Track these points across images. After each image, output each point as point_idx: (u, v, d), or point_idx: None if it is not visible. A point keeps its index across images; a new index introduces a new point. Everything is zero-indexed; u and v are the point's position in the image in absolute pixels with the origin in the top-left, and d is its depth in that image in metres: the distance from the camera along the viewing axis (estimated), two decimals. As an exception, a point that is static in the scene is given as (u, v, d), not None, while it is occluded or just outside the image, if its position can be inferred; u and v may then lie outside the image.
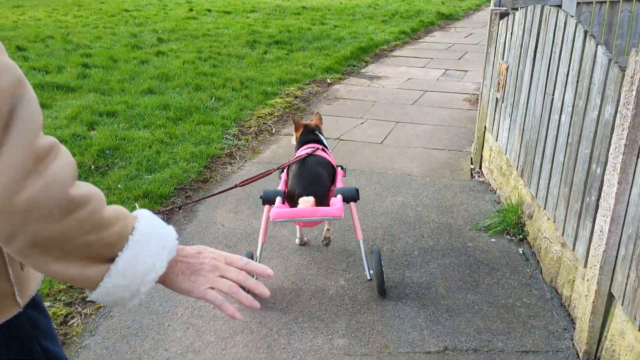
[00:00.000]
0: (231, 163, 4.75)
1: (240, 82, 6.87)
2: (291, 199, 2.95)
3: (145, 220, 1.02)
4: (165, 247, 1.02)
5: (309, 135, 3.45)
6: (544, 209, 3.07)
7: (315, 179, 3.00)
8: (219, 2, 15.48)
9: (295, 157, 3.22)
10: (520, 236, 3.46)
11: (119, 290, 0.97)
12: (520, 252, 3.35)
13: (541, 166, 3.13)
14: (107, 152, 4.61)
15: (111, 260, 0.96)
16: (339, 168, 3.33)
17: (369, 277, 3.02)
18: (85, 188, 0.90)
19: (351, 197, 2.96)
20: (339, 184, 3.16)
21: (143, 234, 0.99)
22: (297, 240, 3.52)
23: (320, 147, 3.28)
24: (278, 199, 2.92)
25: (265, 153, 5.04)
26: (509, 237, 3.51)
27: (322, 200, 2.91)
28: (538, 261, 3.22)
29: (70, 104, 5.76)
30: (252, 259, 2.80)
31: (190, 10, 13.88)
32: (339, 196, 2.93)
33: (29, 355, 1.19)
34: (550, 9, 3.12)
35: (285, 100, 6.51)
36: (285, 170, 3.25)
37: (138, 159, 4.50)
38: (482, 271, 3.18)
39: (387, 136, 5.54)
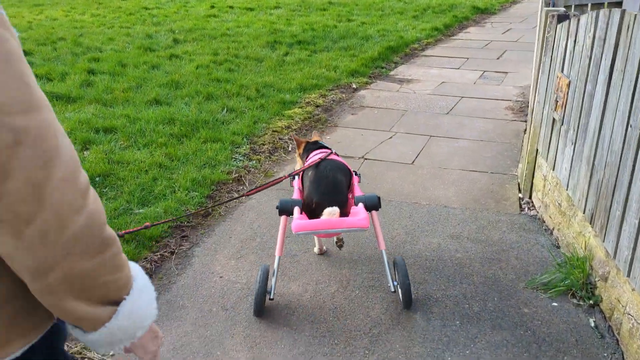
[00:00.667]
0: (238, 190, 4.13)
1: (256, 90, 6.24)
2: (309, 208, 2.78)
3: (135, 268, 1.10)
4: (154, 298, 1.12)
5: (314, 144, 3.27)
6: (627, 275, 2.35)
7: (333, 186, 2.84)
8: (242, -2, 14.89)
9: (308, 162, 3.05)
10: (591, 301, 2.74)
11: (120, 332, 1.04)
12: (592, 324, 2.64)
13: (623, 219, 2.41)
14: (97, 179, 4.04)
15: (116, 303, 1.03)
16: (354, 174, 3.15)
17: (392, 289, 2.81)
18: (110, 229, 0.98)
19: (373, 205, 2.80)
20: (357, 190, 2.98)
21: (142, 281, 1.09)
22: (316, 250, 3.32)
23: (333, 151, 3.15)
24: (296, 209, 2.73)
25: (278, 176, 4.42)
26: (575, 300, 2.80)
27: (342, 208, 2.74)
28: (618, 341, 2.50)
29: (68, 118, 5.22)
30: (269, 273, 2.76)
31: (212, 7, 13.32)
32: (361, 205, 2.76)
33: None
34: (636, 15, 2.39)
35: (305, 111, 5.86)
36: (299, 177, 3.07)
37: (131, 188, 3.91)
38: (545, 354, 2.48)
39: (419, 154, 4.85)
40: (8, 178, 0.83)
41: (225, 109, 5.63)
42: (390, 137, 5.28)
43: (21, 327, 1.02)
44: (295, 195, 2.96)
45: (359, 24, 10.68)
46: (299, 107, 5.96)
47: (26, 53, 7.68)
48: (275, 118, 5.55)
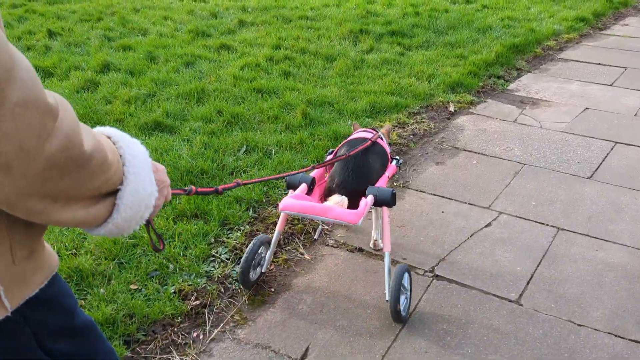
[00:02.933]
0: (190, 344, 2.36)
1: (303, 114, 4.37)
2: (328, 189, 2.57)
3: (123, 141, 1.01)
4: (149, 166, 1.03)
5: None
6: None
7: (360, 169, 2.59)
8: (348, -33, 12.85)
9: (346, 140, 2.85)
10: None
11: (127, 222, 0.99)
12: None
13: None
14: None
15: (112, 193, 0.97)
16: (394, 161, 2.94)
17: (387, 298, 2.44)
18: (92, 139, 0.88)
19: (384, 201, 2.48)
20: (381, 181, 2.66)
21: (133, 160, 0.99)
22: (316, 235, 3.03)
23: (379, 133, 2.91)
24: (302, 186, 2.53)
25: (276, 307, 2.59)
26: None
27: (360, 195, 2.47)
28: None
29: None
30: (268, 245, 2.66)
31: (309, -23, 11.45)
32: (370, 197, 2.46)
33: None
34: None
35: (365, 154, 3.92)
36: (333, 153, 2.87)
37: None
38: None
39: (535, 274, 2.78)
40: None
41: (245, 147, 3.83)
42: (489, 224, 3.22)
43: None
44: (314, 173, 2.69)
45: (479, 8, 8.33)
46: (357, 147, 4.03)
47: (52, 34, 6.34)
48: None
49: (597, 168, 3.86)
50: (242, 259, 2.54)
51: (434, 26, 7.21)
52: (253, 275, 2.63)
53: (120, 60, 5.42)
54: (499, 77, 5.71)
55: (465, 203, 3.44)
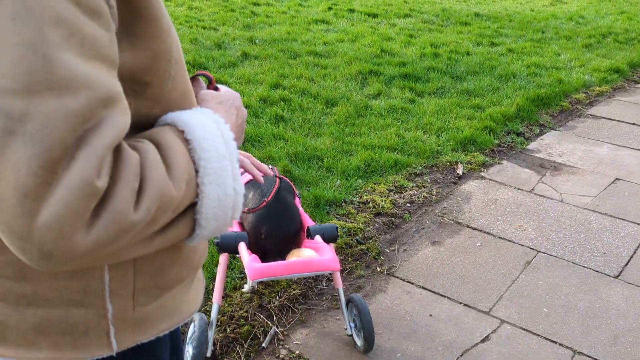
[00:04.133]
0: None
1: (284, 171, 3.79)
2: (256, 243, 2.26)
3: (195, 140, 0.84)
4: (230, 157, 0.87)
5: None
6: None
7: (284, 210, 2.33)
8: (373, 1, 12.42)
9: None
10: None
11: (217, 231, 0.90)
12: None
13: None
14: None
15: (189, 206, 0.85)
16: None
17: (349, 332, 2.42)
18: (146, 200, 0.73)
19: (332, 237, 2.29)
20: (306, 218, 2.44)
21: (207, 165, 0.84)
22: (247, 288, 2.65)
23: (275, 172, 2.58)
24: (242, 246, 2.14)
25: None
26: None
27: (295, 240, 2.34)
28: None
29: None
30: (207, 326, 2.20)
31: (330, 9, 11.02)
32: (318, 238, 2.26)
33: None
34: None
35: (347, 227, 3.31)
36: None
37: None
38: None
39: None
40: None
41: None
42: (486, 338, 2.57)
43: (52, 339, 0.89)
44: (235, 227, 2.35)
45: (504, 52, 7.72)
46: (339, 217, 3.42)
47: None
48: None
49: (627, 263, 3.18)
50: (196, 348, 2.11)
51: (452, 70, 6.62)
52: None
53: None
54: (518, 134, 5.07)
55: (461, 304, 2.79)
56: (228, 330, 2.45)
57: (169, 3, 11.00)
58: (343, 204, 3.58)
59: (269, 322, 2.54)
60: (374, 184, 3.88)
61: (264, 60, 6.69)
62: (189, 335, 2.25)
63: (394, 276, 2.99)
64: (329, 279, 2.90)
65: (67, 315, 0.89)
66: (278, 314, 2.61)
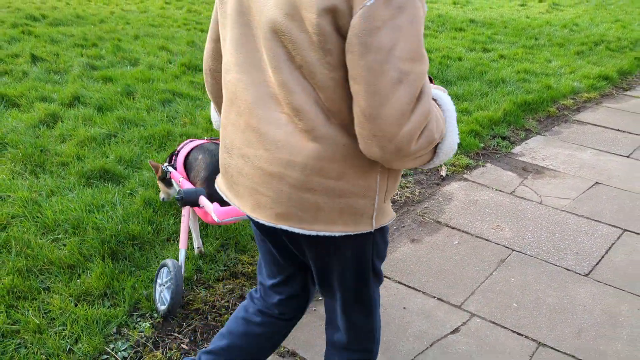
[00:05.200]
0: None
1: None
2: (211, 197, 2.47)
3: (444, 104, 1.42)
4: (455, 118, 1.44)
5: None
6: None
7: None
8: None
9: (183, 148, 2.83)
10: None
11: (440, 162, 1.40)
12: None
13: None
14: None
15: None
16: None
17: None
18: (435, 132, 1.32)
19: None
20: None
21: (450, 119, 1.40)
22: (196, 251, 2.97)
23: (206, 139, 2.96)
24: (202, 197, 2.42)
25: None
26: None
27: None
28: None
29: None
30: (177, 268, 2.48)
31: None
32: None
33: (361, 265, 1.56)
34: None
35: (330, 225, 3.44)
36: (179, 165, 2.79)
37: None
38: None
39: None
40: (385, 104, 1.21)
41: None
42: (456, 330, 2.68)
43: (345, 218, 1.41)
44: (185, 185, 2.63)
45: (496, 58, 7.86)
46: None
47: (36, 58, 6.05)
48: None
49: (598, 263, 3.31)
50: (175, 290, 2.45)
51: (442, 75, 6.76)
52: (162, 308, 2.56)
53: (92, 93, 5.07)
54: (503, 138, 5.20)
55: (434, 297, 2.92)
56: (209, 318, 2.58)
57: (168, 5, 11.17)
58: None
59: (248, 312, 2.66)
60: (359, 183, 4.01)
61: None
62: (161, 277, 2.56)
63: (372, 271, 3.11)
64: (309, 272, 3.02)
65: (356, 203, 1.40)
66: (257, 304, 2.74)
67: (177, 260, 2.59)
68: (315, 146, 1.32)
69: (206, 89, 1.83)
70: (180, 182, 2.68)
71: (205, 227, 3.22)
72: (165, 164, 2.89)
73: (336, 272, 1.56)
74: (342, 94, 1.29)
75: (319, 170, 1.34)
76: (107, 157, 3.89)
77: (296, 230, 1.41)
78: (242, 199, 1.48)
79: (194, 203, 2.43)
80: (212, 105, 1.82)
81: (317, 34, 1.21)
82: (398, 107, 1.20)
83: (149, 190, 3.50)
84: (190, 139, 2.93)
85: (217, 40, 1.61)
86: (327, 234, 1.40)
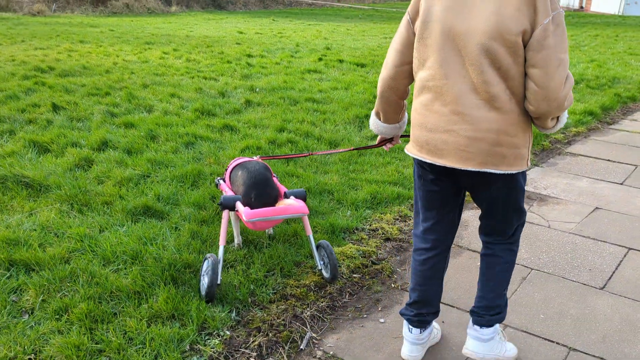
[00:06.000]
0: None
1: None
2: (248, 202, 3.15)
3: None
4: None
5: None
6: None
7: (265, 182, 3.24)
8: (359, 52, 13.15)
9: (231, 164, 3.50)
10: None
11: (558, 129, 2.32)
12: None
13: None
14: None
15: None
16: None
17: (319, 268, 3.35)
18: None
19: (303, 197, 3.28)
20: (281, 187, 3.42)
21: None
22: (236, 247, 3.56)
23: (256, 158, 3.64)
24: (238, 203, 3.11)
25: None
26: None
27: (276, 201, 3.23)
28: None
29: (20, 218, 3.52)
30: (217, 263, 3.01)
31: (320, 59, 11.68)
32: (292, 197, 3.25)
33: (519, 192, 2.41)
34: None
35: (361, 250, 3.71)
36: (226, 178, 3.50)
37: None
38: None
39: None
40: (552, 78, 2.06)
41: (236, 239, 3.63)
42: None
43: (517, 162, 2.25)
44: (227, 193, 3.33)
45: (486, 97, 8.33)
46: (353, 242, 3.83)
47: (56, 107, 6.33)
48: (306, 266, 3.45)
49: (610, 277, 3.61)
50: (210, 279, 2.93)
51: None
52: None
53: (119, 138, 5.35)
54: (505, 170, 5.56)
55: (468, 312, 3.18)
56: (270, 335, 2.80)
57: (167, 55, 11.57)
58: (355, 231, 3.99)
59: (304, 328, 2.89)
60: (381, 213, 4.30)
61: (266, 106, 7.18)
62: (204, 268, 3.04)
63: (407, 291, 3.37)
64: (351, 293, 3.28)
65: (522, 151, 2.24)
66: (310, 322, 2.97)
67: (214, 255, 3.10)
68: (504, 117, 2.16)
69: (381, 104, 2.54)
70: (226, 191, 3.36)
71: (252, 255, 3.47)
72: (218, 178, 3.60)
73: (505, 198, 2.39)
74: (520, 81, 2.14)
75: (505, 132, 2.17)
76: (147, 195, 4.14)
77: (491, 171, 2.22)
78: (447, 158, 2.25)
79: (231, 207, 3.09)
80: (376, 116, 2.63)
81: (512, 47, 2.07)
82: (558, 80, 2.07)
83: (192, 224, 3.75)
84: (238, 157, 3.61)
85: (401, 65, 2.35)
86: (509, 172, 2.24)
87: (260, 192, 3.16)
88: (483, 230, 2.58)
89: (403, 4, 44.41)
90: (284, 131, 6.06)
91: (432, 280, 2.61)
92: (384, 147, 2.85)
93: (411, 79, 2.40)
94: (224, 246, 3.17)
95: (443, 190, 2.43)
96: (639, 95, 9.40)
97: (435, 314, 2.70)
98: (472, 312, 2.64)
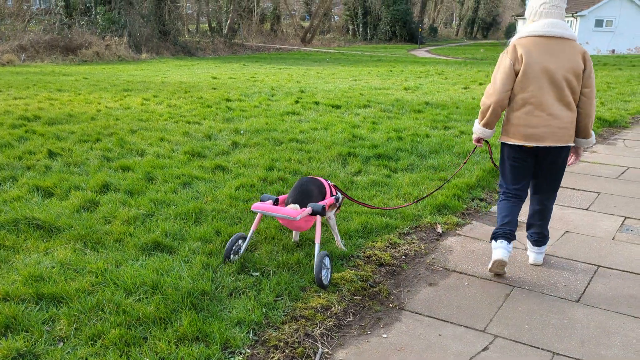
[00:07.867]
0: None
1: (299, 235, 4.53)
2: (286, 204, 4.15)
3: None
4: None
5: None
6: None
7: (303, 193, 4.15)
8: (333, 94, 13.71)
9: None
10: None
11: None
12: None
13: None
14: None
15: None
16: (333, 197, 4.37)
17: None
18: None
19: (317, 211, 3.96)
20: (323, 202, 4.17)
21: None
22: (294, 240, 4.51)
23: (322, 179, 4.47)
24: (269, 201, 4.08)
25: None
26: None
27: (304, 206, 4.03)
28: None
29: (18, 268, 3.74)
30: (244, 240, 4.15)
31: (296, 102, 12.18)
32: (309, 207, 3.96)
33: (561, 165, 4.08)
34: None
35: (360, 275, 4.04)
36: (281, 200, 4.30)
37: None
38: None
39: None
40: (593, 99, 3.92)
41: (242, 268, 3.93)
42: (486, 348, 3.29)
43: (572, 139, 3.99)
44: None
45: (457, 134, 8.89)
46: (351, 268, 4.15)
47: (52, 153, 6.58)
48: (311, 290, 3.76)
49: (584, 291, 4.01)
50: (226, 248, 3.98)
51: (416, 150, 7.64)
52: (234, 258, 4.04)
53: (119, 181, 5.62)
54: (481, 200, 6.01)
55: (461, 326, 3.52)
56: (287, 351, 3.09)
57: (147, 102, 11.89)
58: (351, 258, 4.32)
59: (317, 345, 3.19)
60: (372, 242, 4.65)
61: (252, 147, 7.54)
62: (230, 242, 4.01)
63: (405, 309, 3.70)
64: (354, 313, 3.59)
65: (573, 132, 3.97)
66: (321, 339, 3.27)
67: (243, 233, 4.18)
68: (573, 115, 3.89)
69: (491, 117, 4.00)
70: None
71: (260, 282, 3.76)
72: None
73: (563, 162, 4.05)
74: (577, 98, 3.87)
75: (571, 123, 3.89)
76: (154, 232, 4.41)
77: (568, 144, 3.90)
78: (544, 141, 3.86)
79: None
80: (485, 127, 4.09)
81: (578, 78, 3.82)
82: (594, 101, 3.88)
83: (201, 256, 4.03)
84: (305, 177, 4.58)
85: (506, 91, 3.88)
86: (570, 144, 3.91)
87: (294, 198, 4.09)
88: (539, 190, 4.20)
89: (366, 47, 45.92)
90: (273, 169, 6.42)
91: (515, 210, 4.19)
92: (477, 144, 4.31)
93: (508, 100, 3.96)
94: (253, 231, 4.18)
95: (528, 164, 4.06)
96: (595, 129, 10.09)
97: (514, 233, 4.13)
98: (534, 240, 4.36)
